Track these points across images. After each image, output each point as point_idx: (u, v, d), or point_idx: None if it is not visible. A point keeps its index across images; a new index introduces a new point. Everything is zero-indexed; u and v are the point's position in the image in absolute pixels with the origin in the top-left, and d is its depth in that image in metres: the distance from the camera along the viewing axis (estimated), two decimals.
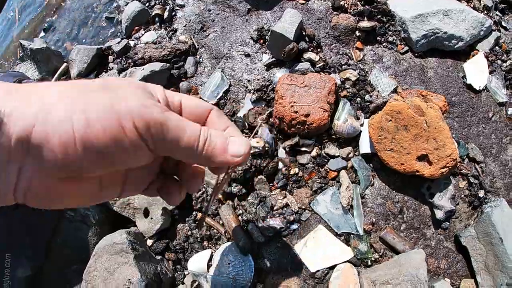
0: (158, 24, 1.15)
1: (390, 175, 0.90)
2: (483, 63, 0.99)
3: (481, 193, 0.93)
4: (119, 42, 1.16)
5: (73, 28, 1.36)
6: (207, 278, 0.95)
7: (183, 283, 0.97)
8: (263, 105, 0.95)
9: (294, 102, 0.87)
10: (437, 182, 0.90)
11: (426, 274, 0.84)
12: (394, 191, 0.90)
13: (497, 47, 1.03)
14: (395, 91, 0.93)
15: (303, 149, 0.90)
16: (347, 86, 0.92)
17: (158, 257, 0.97)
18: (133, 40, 1.15)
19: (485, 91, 0.98)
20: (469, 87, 0.96)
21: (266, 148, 0.89)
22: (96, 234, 0.94)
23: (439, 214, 0.89)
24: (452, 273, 0.92)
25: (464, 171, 0.92)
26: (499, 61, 1.02)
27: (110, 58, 1.17)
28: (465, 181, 0.93)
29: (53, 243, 0.91)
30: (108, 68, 1.16)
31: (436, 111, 0.81)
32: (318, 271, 0.87)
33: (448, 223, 0.91)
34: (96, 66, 1.18)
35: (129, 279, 0.87)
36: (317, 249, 0.87)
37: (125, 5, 1.20)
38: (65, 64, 1.21)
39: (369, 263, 0.87)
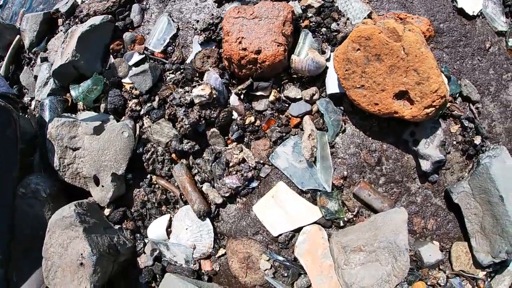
0: None
1: (365, 118, 0.75)
2: None
3: (478, 140, 0.77)
4: (66, 3, 1.04)
5: None
6: (167, 245, 0.84)
7: (144, 253, 0.86)
8: (213, 47, 0.81)
9: (242, 37, 0.72)
10: (423, 126, 0.74)
11: (407, 240, 0.69)
12: (370, 138, 0.75)
13: None
14: (369, 18, 0.77)
15: (259, 93, 0.76)
16: (310, 15, 0.76)
17: (117, 227, 0.87)
18: None
19: (481, 17, 0.81)
20: (461, 12, 0.79)
21: (214, 96, 0.75)
22: (50, 209, 0.83)
23: (426, 165, 0.74)
24: (442, 235, 0.77)
25: (457, 112, 0.76)
26: None
27: (60, 21, 1.05)
28: (458, 124, 0.77)
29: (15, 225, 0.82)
30: (56, 32, 1.04)
31: (417, 35, 0.65)
32: (281, 235, 0.74)
33: (437, 176, 0.76)
34: (47, 32, 1.06)
35: (81, 254, 0.77)
36: (278, 210, 0.74)
37: None
38: (18, 37, 1.10)
39: (342, 224, 0.74)
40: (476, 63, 0.79)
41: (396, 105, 0.69)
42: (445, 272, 0.75)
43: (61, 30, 1.03)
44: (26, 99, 0.99)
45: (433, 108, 0.66)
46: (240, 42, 0.72)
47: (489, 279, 0.77)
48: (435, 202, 0.75)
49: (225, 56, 0.75)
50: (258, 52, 0.71)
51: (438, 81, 0.65)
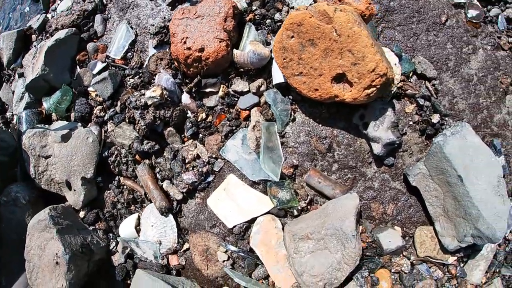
0: None
1: (315, 106, 0.74)
2: None
3: (436, 118, 0.73)
4: (38, 19, 1.11)
5: (4, 17, 1.34)
6: (137, 243, 0.88)
7: (117, 251, 0.91)
8: (166, 49, 0.83)
9: (187, 37, 0.74)
10: (372, 108, 0.72)
11: (354, 226, 0.67)
12: (320, 125, 0.74)
13: None
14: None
15: (208, 89, 0.77)
16: (254, 8, 0.77)
17: (91, 228, 0.92)
18: (50, 13, 1.10)
19: None
20: None
21: (166, 96, 0.78)
22: (30, 214, 0.91)
23: (377, 148, 0.72)
24: (404, 220, 0.74)
25: (410, 91, 0.73)
26: None
27: (33, 37, 1.13)
28: (413, 104, 0.74)
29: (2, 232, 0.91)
30: (30, 48, 1.12)
31: (348, 15, 0.63)
32: (235, 226, 0.75)
33: (393, 159, 0.74)
34: (22, 49, 1.14)
35: (56, 253, 0.83)
36: (230, 202, 0.75)
37: None
38: None
39: (296, 213, 0.73)
40: (431, 38, 0.75)
41: (335, 88, 0.67)
42: (409, 259, 0.72)
43: (34, 46, 1.09)
44: (8, 114, 1.08)
45: (374, 89, 0.64)
46: (184, 42, 0.74)
47: (461, 265, 0.73)
48: (394, 186, 0.72)
49: (173, 57, 0.78)
50: (202, 50, 0.73)
51: (374, 60, 0.62)
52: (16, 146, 0.97)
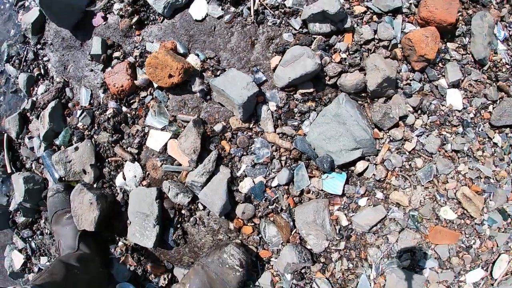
0: (42, 78, 1.89)
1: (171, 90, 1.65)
2: None
3: None
4: (27, 103, 1.91)
5: None
6: (125, 183, 1.73)
7: (119, 193, 1.75)
8: (108, 92, 1.70)
9: (114, 82, 1.62)
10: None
11: None
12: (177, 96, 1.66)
13: None
14: None
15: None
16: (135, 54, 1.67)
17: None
18: (33, 97, 1.90)
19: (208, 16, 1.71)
20: (196, 22, 1.70)
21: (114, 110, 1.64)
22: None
23: None
24: None
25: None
26: None
27: (29, 113, 1.93)
28: None
29: None
30: (30, 121, 1.91)
31: (162, 53, 1.55)
32: None
33: None
34: (24, 124, 1.93)
35: (89, 199, 1.63)
36: None
37: (17, 78, 1.93)
38: (5, 135, 1.96)
39: None
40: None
41: (171, 80, 1.59)
42: None
43: (34, 117, 1.89)
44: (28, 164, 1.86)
45: (181, 75, 1.56)
46: (114, 85, 1.62)
47: None
48: None
49: (112, 94, 1.65)
50: (122, 86, 1.61)
51: (175, 65, 1.55)
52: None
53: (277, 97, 1.55)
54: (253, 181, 1.54)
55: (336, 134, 1.45)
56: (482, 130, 1.65)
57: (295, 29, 1.59)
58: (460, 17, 1.71)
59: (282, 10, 1.60)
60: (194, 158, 1.53)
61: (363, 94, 1.56)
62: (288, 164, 1.54)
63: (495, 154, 1.68)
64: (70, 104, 1.75)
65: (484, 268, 1.73)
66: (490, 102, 1.67)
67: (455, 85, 1.62)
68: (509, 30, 1.80)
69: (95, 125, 1.69)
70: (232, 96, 1.46)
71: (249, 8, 1.61)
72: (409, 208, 1.58)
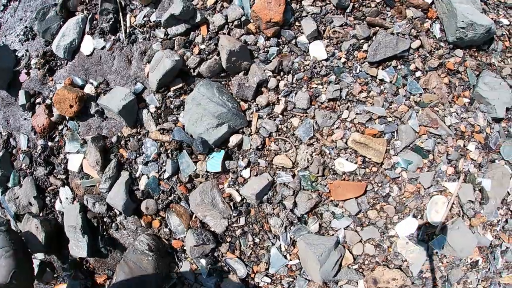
0: None
1: None
2: None
3: None
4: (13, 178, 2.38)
5: None
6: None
7: None
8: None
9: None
10: None
11: None
12: None
13: None
14: None
15: None
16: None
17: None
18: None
19: None
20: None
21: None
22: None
23: None
24: None
25: None
26: None
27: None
28: None
29: None
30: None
31: (64, 90, 1.85)
32: None
33: None
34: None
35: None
36: None
37: None
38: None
39: None
40: None
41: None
42: None
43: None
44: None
45: None
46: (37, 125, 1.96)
47: None
48: None
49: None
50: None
51: None
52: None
53: (154, 99, 1.72)
54: (148, 177, 1.68)
55: (199, 116, 1.55)
56: (361, 71, 1.59)
57: (161, 38, 1.77)
58: None
59: (148, 26, 1.82)
60: (98, 169, 1.74)
61: (222, 74, 1.64)
62: (174, 155, 1.65)
63: (385, 91, 1.59)
64: (14, 151, 2.14)
65: (418, 217, 1.57)
66: (362, 40, 1.61)
67: (316, 37, 1.61)
68: None
69: (33, 163, 2.03)
70: (112, 107, 1.67)
71: (125, 31, 1.86)
72: (297, 169, 1.56)
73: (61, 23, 2.04)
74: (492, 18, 1.72)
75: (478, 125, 1.62)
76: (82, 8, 2.01)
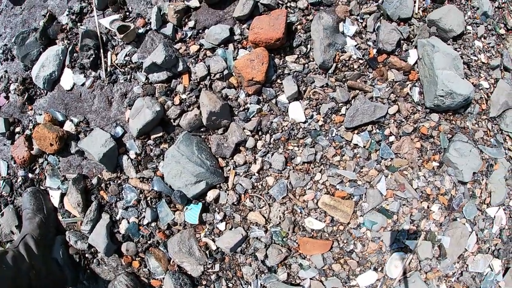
0: None
1: None
2: None
3: None
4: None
5: None
6: None
7: None
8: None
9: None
10: None
11: None
12: None
13: None
14: None
15: None
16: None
17: None
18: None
19: None
20: None
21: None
22: None
23: None
24: None
25: None
26: None
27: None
28: None
29: None
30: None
31: (44, 127, 1.84)
32: None
33: None
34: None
35: None
36: None
37: None
38: None
39: None
40: None
41: None
42: None
43: None
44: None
45: None
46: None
47: None
48: None
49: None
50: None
51: None
52: None
53: (134, 145, 1.74)
54: (128, 222, 1.75)
55: (178, 172, 1.59)
56: (336, 134, 1.64)
57: (142, 82, 1.75)
58: (299, 26, 1.72)
59: (129, 66, 1.79)
60: (80, 210, 1.79)
61: (202, 129, 1.66)
62: (153, 203, 1.71)
63: (358, 155, 1.65)
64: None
65: (379, 270, 1.70)
66: (341, 104, 1.65)
67: (296, 97, 1.64)
68: (361, 22, 1.74)
69: (14, 192, 2.06)
70: (93, 154, 1.69)
71: (106, 69, 1.83)
72: (269, 225, 1.65)
73: (41, 49, 1.98)
74: (472, 83, 1.76)
75: (444, 188, 1.72)
76: (62, 36, 1.94)
